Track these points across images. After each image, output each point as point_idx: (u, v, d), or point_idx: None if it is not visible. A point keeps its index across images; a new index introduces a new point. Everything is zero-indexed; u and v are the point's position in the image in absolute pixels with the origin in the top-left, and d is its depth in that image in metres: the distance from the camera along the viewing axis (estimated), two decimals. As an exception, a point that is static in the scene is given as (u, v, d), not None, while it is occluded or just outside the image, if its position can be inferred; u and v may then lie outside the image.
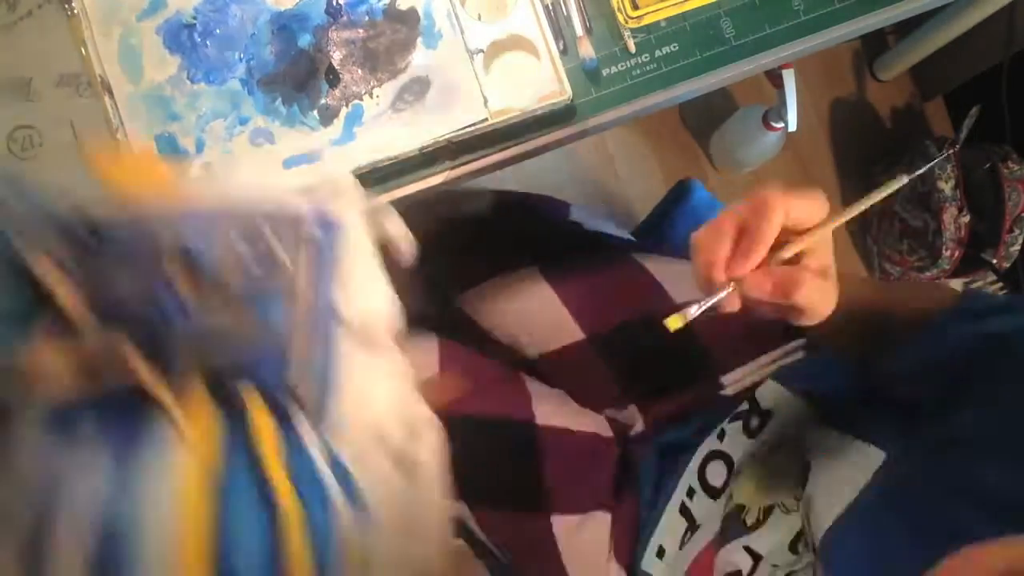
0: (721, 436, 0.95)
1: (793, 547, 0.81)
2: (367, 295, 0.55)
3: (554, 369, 1.14)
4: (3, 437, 0.43)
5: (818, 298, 0.69)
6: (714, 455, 0.94)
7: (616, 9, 0.89)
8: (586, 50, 0.88)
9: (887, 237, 2.09)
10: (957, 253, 1.99)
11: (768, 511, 0.85)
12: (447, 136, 0.83)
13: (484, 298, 1.15)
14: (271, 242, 0.52)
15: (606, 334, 1.11)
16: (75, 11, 0.86)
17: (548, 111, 0.84)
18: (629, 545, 0.99)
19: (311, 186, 0.58)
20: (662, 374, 1.09)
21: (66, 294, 0.45)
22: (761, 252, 0.68)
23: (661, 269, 1.14)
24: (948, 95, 2.20)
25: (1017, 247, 1.97)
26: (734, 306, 0.72)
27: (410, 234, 0.61)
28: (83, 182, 0.55)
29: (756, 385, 0.98)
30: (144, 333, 0.46)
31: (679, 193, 1.48)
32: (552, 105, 0.83)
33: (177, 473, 0.44)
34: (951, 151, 1.90)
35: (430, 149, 0.83)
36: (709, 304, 0.70)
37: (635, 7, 0.89)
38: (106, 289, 0.47)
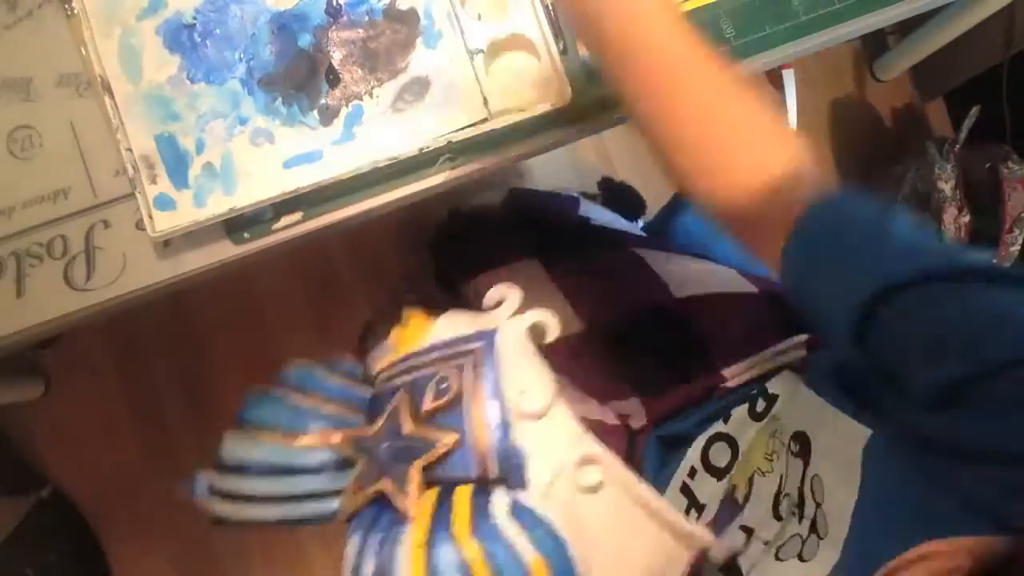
0: (727, 419, 0.95)
1: (775, 511, 0.80)
2: (525, 377, 0.70)
3: (554, 359, 1.15)
4: None
5: None
6: (718, 437, 0.94)
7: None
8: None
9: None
10: (957, 253, 1.99)
11: (750, 481, 0.85)
12: (447, 136, 0.83)
13: (487, 286, 1.16)
14: (455, 375, 0.70)
15: (605, 326, 1.11)
16: (75, 11, 0.86)
17: (548, 112, 0.84)
18: None
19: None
20: (661, 366, 1.09)
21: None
22: None
23: (661, 264, 1.14)
24: (948, 95, 2.20)
25: (1017, 247, 1.96)
26: None
27: (556, 320, 0.74)
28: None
29: (760, 377, 0.98)
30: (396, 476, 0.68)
31: (675, 207, 1.49)
32: (552, 106, 0.83)
33: (407, 547, 0.63)
34: (951, 151, 1.90)
35: (430, 149, 0.83)
36: None
37: (635, 7, 0.89)
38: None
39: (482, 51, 0.84)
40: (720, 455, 0.93)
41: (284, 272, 1.92)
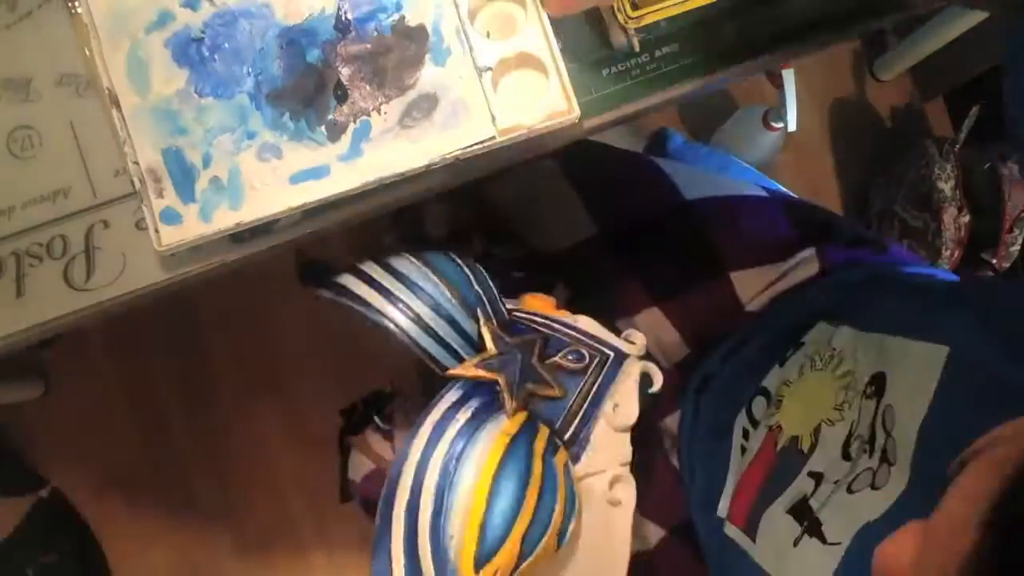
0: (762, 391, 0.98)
1: (845, 454, 0.83)
2: (625, 401, 0.91)
3: (570, 267, 1.17)
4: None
5: None
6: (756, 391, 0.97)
7: (616, 9, 0.89)
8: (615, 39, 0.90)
9: (887, 238, 2.10)
10: (957, 253, 2.00)
11: (817, 430, 0.87)
12: (455, 153, 0.83)
13: (508, 188, 1.17)
14: (588, 357, 0.91)
15: (616, 228, 1.13)
16: (78, 10, 0.85)
17: (556, 129, 0.84)
18: (674, 502, 1.02)
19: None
20: (673, 268, 1.11)
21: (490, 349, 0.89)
22: None
23: (671, 168, 1.17)
24: (948, 95, 2.20)
25: (1017, 247, 1.97)
26: None
27: (660, 377, 0.95)
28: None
29: (780, 312, 1.00)
30: (512, 380, 0.87)
31: (655, 143, 1.50)
32: (560, 123, 0.83)
33: (497, 431, 0.80)
34: (951, 151, 1.90)
35: (438, 166, 0.83)
36: None
37: (635, 7, 0.89)
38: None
39: (491, 68, 0.84)
40: (760, 409, 0.97)
41: (284, 272, 1.92)
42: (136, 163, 0.84)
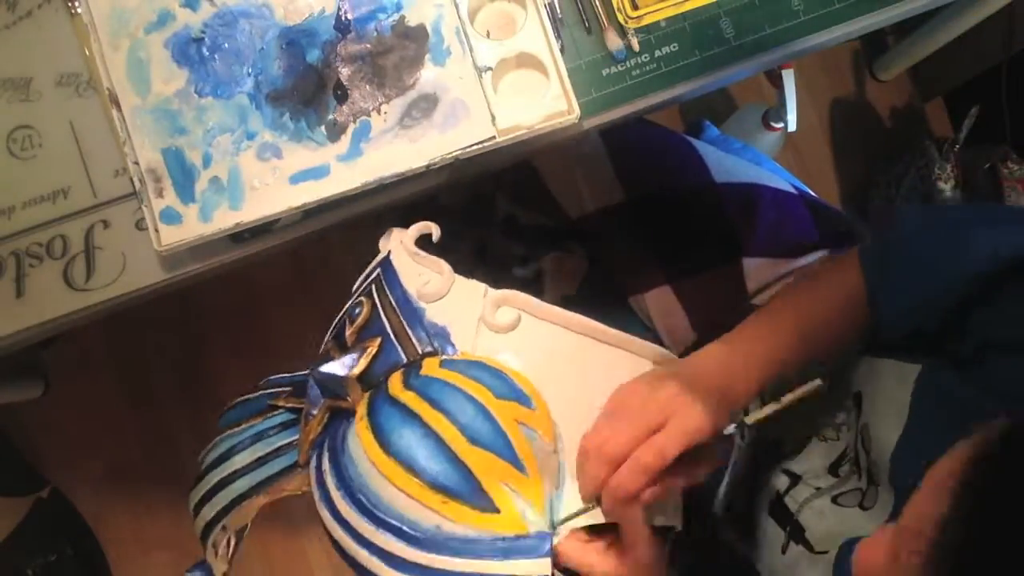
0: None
1: (833, 471, 0.84)
2: (422, 272, 0.81)
3: (592, 232, 1.17)
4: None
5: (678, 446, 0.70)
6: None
7: (616, 9, 0.89)
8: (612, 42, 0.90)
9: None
10: (956, 253, 1.99)
11: (805, 440, 0.87)
12: (455, 153, 0.83)
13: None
14: (364, 300, 0.82)
15: (643, 200, 1.13)
16: (78, 10, 0.86)
17: (555, 129, 0.84)
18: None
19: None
20: (690, 246, 1.12)
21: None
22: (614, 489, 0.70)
23: (707, 151, 1.19)
24: (948, 95, 2.19)
25: (1016, 247, 1.96)
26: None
27: (435, 225, 0.84)
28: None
29: None
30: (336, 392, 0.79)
31: (691, 132, 1.50)
32: (560, 123, 0.83)
33: (354, 423, 0.74)
34: (951, 151, 1.90)
35: (438, 166, 0.83)
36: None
37: (635, 7, 0.89)
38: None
39: (490, 68, 0.84)
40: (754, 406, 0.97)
41: (284, 272, 1.92)
42: (136, 163, 0.84)
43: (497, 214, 1.35)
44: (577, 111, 0.83)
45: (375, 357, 0.78)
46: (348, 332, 0.81)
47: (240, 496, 0.81)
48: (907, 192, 2.02)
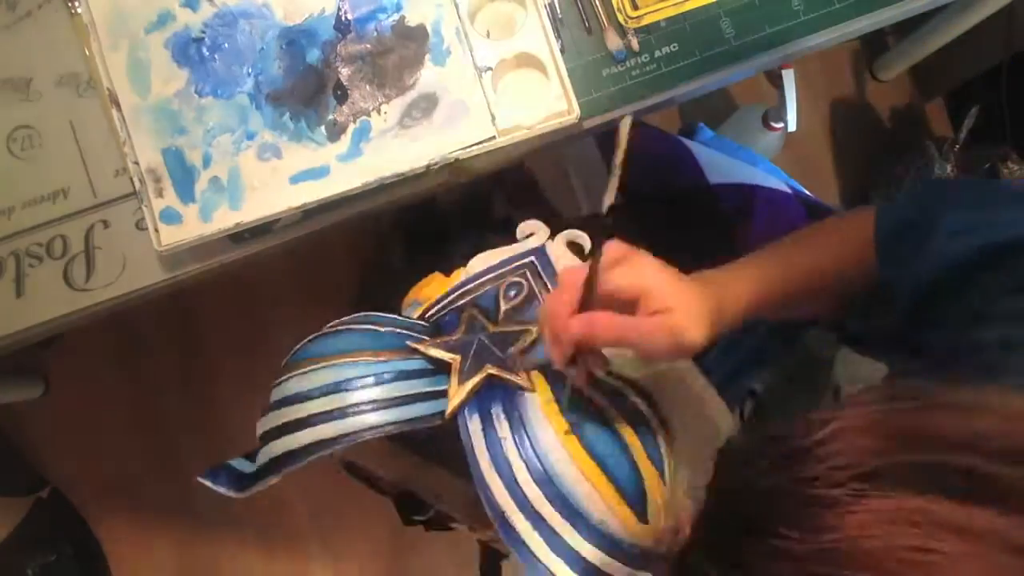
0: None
1: None
2: None
3: (589, 230, 1.18)
4: None
5: (661, 341, 0.69)
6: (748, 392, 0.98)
7: (616, 9, 0.89)
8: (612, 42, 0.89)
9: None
10: (956, 253, 1.99)
11: None
12: (455, 153, 0.83)
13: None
14: (523, 282, 0.83)
15: (638, 201, 1.14)
16: (78, 10, 0.86)
17: (556, 129, 0.84)
18: None
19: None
20: (685, 250, 1.12)
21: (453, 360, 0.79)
22: (564, 337, 0.68)
23: (701, 152, 1.19)
24: (948, 95, 2.20)
25: (1016, 247, 1.96)
26: (590, 378, 0.73)
27: (586, 236, 0.86)
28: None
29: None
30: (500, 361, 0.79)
31: (685, 135, 1.50)
32: (560, 123, 0.83)
33: (538, 406, 0.74)
34: (951, 151, 1.90)
35: (438, 166, 0.83)
36: (568, 390, 0.74)
37: (635, 7, 0.89)
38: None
39: (491, 69, 0.84)
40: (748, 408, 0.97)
41: (284, 272, 1.92)
42: (136, 163, 0.84)
43: (494, 215, 1.35)
44: (577, 111, 0.83)
45: (533, 343, 0.80)
46: (504, 307, 0.83)
47: (373, 427, 0.75)
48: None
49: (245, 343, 1.91)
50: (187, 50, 0.85)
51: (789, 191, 1.19)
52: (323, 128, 0.84)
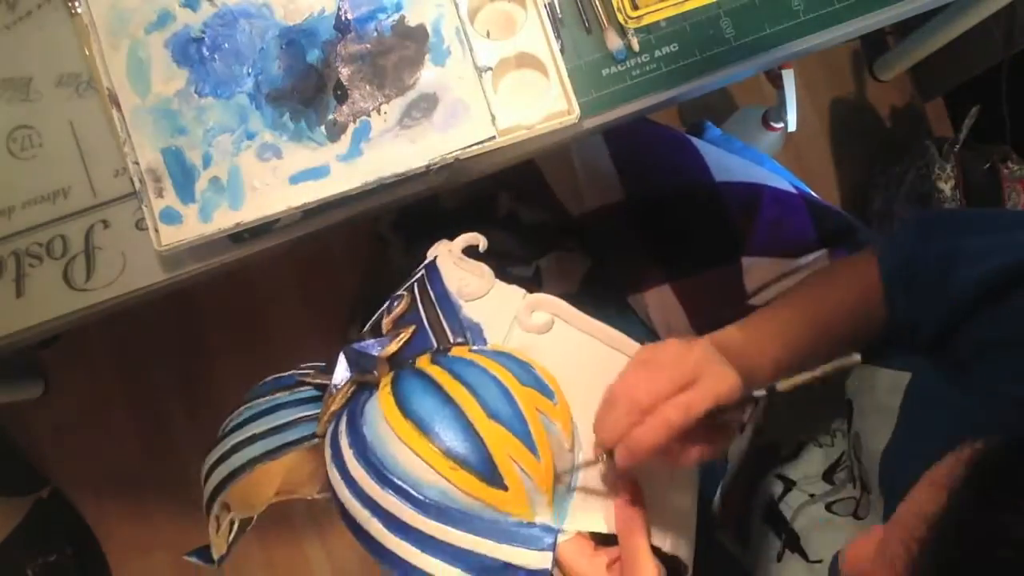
0: None
1: (828, 477, 0.83)
2: (464, 275, 0.83)
3: (593, 231, 1.18)
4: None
5: (714, 448, 0.70)
6: None
7: (616, 9, 0.89)
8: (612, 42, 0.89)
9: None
10: (956, 253, 1.99)
11: (801, 445, 0.87)
12: (455, 153, 0.83)
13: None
14: (405, 294, 0.84)
15: (643, 197, 1.13)
16: (78, 10, 0.86)
17: (556, 129, 0.84)
18: None
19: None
20: (690, 246, 1.12)
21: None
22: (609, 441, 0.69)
23: (708, 151, 1.19)
24: (948, 95, 2.19)
25: (1016, 247, 1.96)
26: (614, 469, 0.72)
27: (483, 237, 0.86)
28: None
29: None
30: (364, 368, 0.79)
31: (693, 133, 1.50)
32: (560, 123, 0.83)
33: (377, 393, 0.74)
34: (951, 151, 1.90)
35: (438, 166, 0.83)
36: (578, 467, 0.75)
37: (635, 7, 0.89)
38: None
39: (491, 68, 0.84)
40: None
41: (284, 272, 1.92)
42: (136, 163, 0.84)
43: (498, 212, 1.35)
44: (577, 111, 0.83)
45: (407, 342, 0.81)
46: (385, 321, 0.83)
47: (252, 460, 0.80)
48: (907, 192, 2.02)
49: (245, 343, 1.91)
50: (187, 50, 0.85)
51: (794, 191, 1.19)
52: (323, 128, 0.84)
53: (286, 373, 0.89)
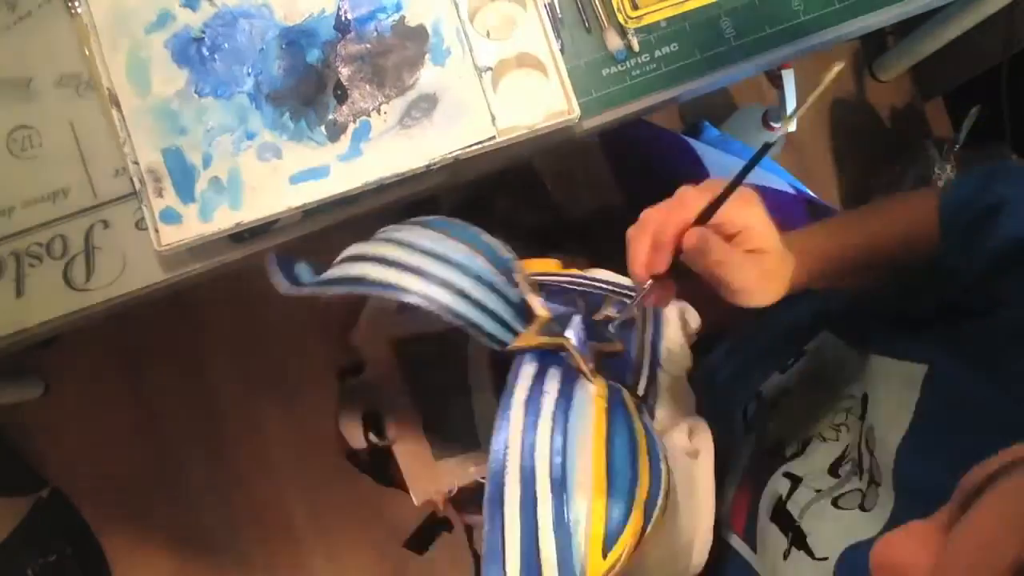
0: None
1: (833, 471, 0.84)
2: (675, 343, 0.86)
3: (594, 234, 1.19)
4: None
5: (751, 277, 0.71)
6: (753, 395, 0.97)
7: (616, 9, 0.89)
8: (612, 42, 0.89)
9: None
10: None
11: (806, 442, 0.88)
12: (455, 153, 0.83)
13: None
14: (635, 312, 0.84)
15: (643, 202, 1.14)
16: (78, 10, 0.86)
17: (556, 129, 0.84)
18: None
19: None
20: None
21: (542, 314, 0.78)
22: (667, 246, 0.71)
23: (705, 152, 1.19)
24: (948, 95, 2.20)
25: (1016, 247, 1.96)
26: (659, 302, 0.76)
27: (698, 317, 0.92)
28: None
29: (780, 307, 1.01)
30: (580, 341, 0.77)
31: (691, 133, 1.50)
32: (560, 123, 0.83)
33: (590, 397, 0.71)
34: (951, 151, 1.90)
35: (438, 166, 0.83)
36: (636, 301, 0.75)
37: (635, 7, 0.89)
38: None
39: (490, 68, 0.84)
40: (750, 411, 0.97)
41: (284, 272, 1.92)
42: (136, 163, 0.84)
43: (495, 215, 1.35)
44: (577, 111, 0.83)
45: (614, 355, 0.81)
46: (605, 311, 0.84)
47: (442, 306, 0.73)
48: (907, 192, 2.02)
49: (245, 343, 1.91)
50: (187, 50, 0.85)
51: (793, 192, 1.19)
52: (323, 128, 0.84)
53: (502, 249, 0.82)
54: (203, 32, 0.85)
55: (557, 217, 1.23)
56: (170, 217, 0.83)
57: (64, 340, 1.86)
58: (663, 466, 0.73)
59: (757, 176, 1.18)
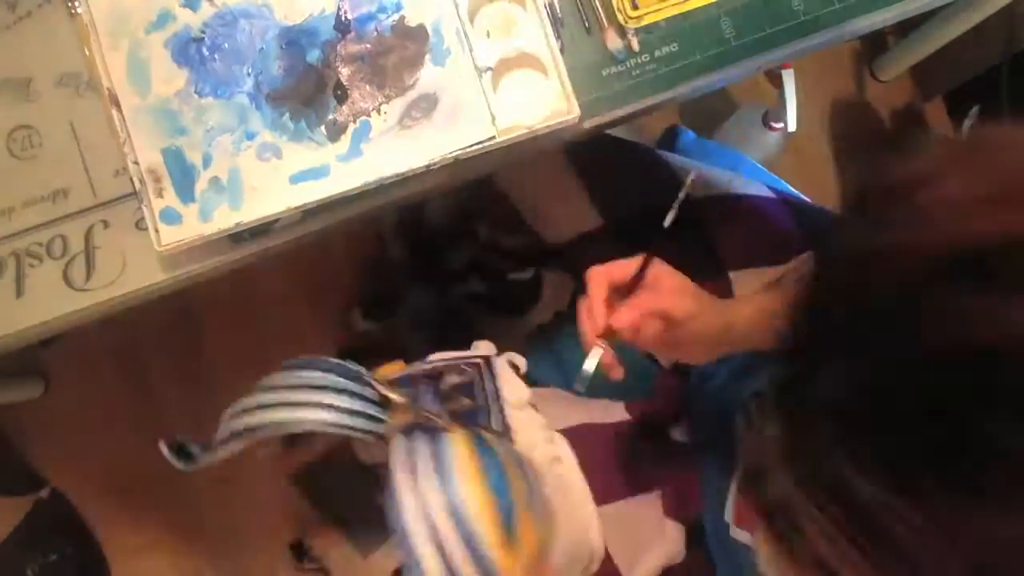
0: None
1: None
2: (511, 385, 0.94)
3: (576, 258, 1.19)
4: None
5: (674, 354, 0.77)
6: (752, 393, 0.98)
7: (616, 9, 0.89)
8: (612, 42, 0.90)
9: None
10: (956, 253, 1.99)
11: None
12: (455, 153, 0.83)
13: (514, 179, 1.23)
14: (469, 371, 0.94)
15: (619, 222, 1.14)
16: (78, 10, 0.86)
17: (556, 129, 0.84)
18: (689, 501, 1.04)
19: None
20: (674, 265, 1.13)
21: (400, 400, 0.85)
22: (595, 319, 0.88)
23: (681, 165, 1.19)
24: (948, 95, 2.19)
25: (1016, 247, 1.96)
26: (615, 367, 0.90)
27: (524, 360, 0.99)
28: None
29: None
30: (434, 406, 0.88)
31: (666, 139, 1.50)
32: (560, 123, 0.83)
33: (456, 437, 0.79)
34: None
35: (438, 166, 0.83)
36: (593, 363, 0.90)
37: (635, 7, 0.89)
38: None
39: (491, 68, 0.84)
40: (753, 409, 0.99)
41: (284, 272, 1.92)
42: (136, 163, 0.84)
43: (479, 240, 1.36)
44: (577, 111, 0.83)
45: (469, 409, 0.91)
46: (451, 381, 0.94)
47: (324, 423, 0.83)
48: (907, 192, 2.01)
49: (245, 343, 1.91)
50: (187, 50, 0.85)
51: (772, 194, 1.19)
52: (323, 128, 0.84)
53: (350, 365, 0.91)
54: (203, 32, 0.85)
55: (538, 240, 1.23)
56: (170, 217, 0.83)
57: (64, 340, 1.86)
58: (529, 472, 0.82)
59: (732, 185, 1.18)
